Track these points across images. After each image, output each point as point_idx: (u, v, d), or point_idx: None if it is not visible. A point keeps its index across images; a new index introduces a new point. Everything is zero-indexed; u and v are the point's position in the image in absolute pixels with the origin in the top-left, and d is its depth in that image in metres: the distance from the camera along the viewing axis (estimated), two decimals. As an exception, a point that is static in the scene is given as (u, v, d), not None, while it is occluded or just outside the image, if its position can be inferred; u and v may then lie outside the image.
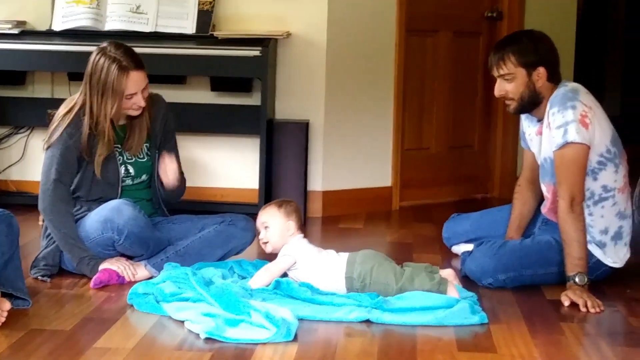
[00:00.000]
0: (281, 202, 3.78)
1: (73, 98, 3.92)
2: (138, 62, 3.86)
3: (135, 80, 3.82)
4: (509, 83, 3.87)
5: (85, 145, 3.84)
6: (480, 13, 5.98)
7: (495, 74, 3.89)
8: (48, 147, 3.87)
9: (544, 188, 4.03)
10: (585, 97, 3.81)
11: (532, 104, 3.89)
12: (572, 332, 3.33)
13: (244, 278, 3.76)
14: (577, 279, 3.66)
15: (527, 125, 4.08)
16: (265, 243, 3.73)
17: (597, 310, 3.57)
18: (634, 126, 7.38)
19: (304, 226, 3.85)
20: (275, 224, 3.71)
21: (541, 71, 3.83)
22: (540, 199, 4.14)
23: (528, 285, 3.86)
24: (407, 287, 3.52)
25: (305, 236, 3.75)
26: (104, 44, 3.88)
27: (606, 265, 3.89)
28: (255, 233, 4.11)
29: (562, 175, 3.76)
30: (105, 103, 3.81)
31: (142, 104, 3.87)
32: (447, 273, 3.63)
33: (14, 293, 3.36)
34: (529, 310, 3.57)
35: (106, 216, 3.80)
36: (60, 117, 3.87)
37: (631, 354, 3.12)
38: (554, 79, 3.87)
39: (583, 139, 3.72)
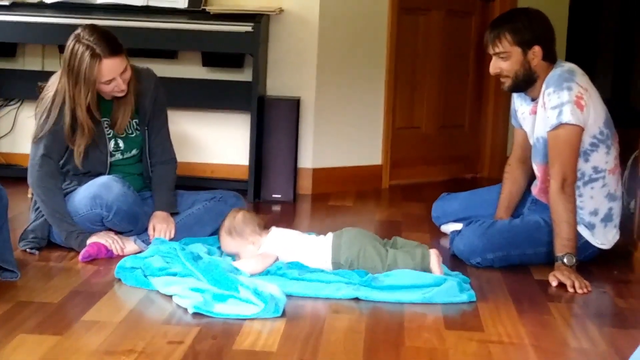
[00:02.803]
0: (227, 227, 3.68)
1: (57, 79, 3.85)
2: (113, 48, 3.74)
3: (110, 68, 3.74)
4: (504, 61, 3.86)
5: (68, 135, 3.81)
6: (473, -8, 5.98)
7: (491, 51, 3.88)
8: (35, 142, 3.84)
9: (535, 168, 4.04)
10: (582, 79, 3.81)
11: (527, 82, 3.88)
12: (560, 313, 3.34)
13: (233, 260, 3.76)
14: (565, 260, 3.68)
15: (519, 103, 4.08)
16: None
17: (585, 291, 3.58)
18: (623, 109, 7.41)
19: (262, 220, 3.77)
20: (239, 248, 3.67)
21: (536, 50, 3.83)
22: (530, 178, 4.15)
23: (516, 265, 3.88)
24: (392, 268, 3.53)
25: (277, 225, 3.72)
26: (79, 30, 3.78)
27: (594, 247, 3.90)
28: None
29: (554, 155, 3.76)
30: (79, 92, 3.74)
31: (123, 87, 3.81)
32: (431, 250, 3.61)
33: (2, 265, 3.36)
34: (516, 290, 3.58)
35: (95, 192, 3.78)
36: (46, 109, 3.81)
37: (618, 335, 3.14)
38: (550, 58, 3.86)
39: (577, 121, 3.72)
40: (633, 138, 4.41)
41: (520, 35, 3.82)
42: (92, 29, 3.78)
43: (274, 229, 3.70)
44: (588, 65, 3.98)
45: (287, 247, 3.63)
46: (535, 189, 4.08)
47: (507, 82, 3.90)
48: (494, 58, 3.89)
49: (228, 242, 3.70)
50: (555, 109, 3.74)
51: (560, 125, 3.73)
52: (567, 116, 3.72)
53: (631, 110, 8.47)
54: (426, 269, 3.53)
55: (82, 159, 3.86)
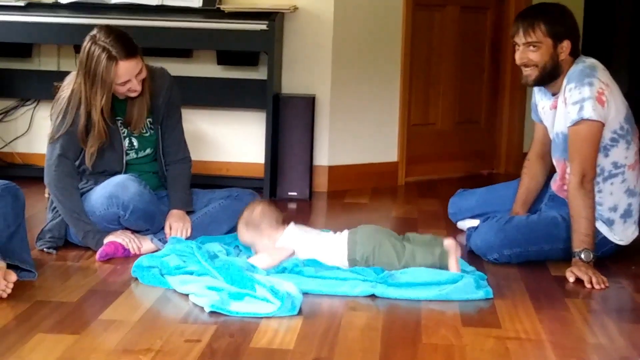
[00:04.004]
0: (244, 220, 3.67)
1: (73, 79, 3.86)
2: (129, 49, 3.75)
3: (126, 69, 3.74)
4: (533, 52, 3.83)
5: (81, 136, 3.82)
6: (488, -12, 5.96)
7: (522, 40, 3.84)
8: (51, 142, 3.85)
9: (555, 163, 4.03)
10: (603, 74, 3.80)
11: (552, 75, 3.86)
12: (577, 308, 3.33)
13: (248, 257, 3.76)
14: (582, 255, 3.66)
15: (540, 98, 4.06)
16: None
17: (602, 286, 3.57)
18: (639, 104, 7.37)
19: (283, 215, 3.74)
20: (255, 242, 3.67)
21: (566, 45, 3.81)
22: (549, 174, 4.13)
23: (533, 261, 3.87)
24: (410, 264, 3.52)
25: (295, 222, 3.71)
26: (95, 31, 3.78)
27: (612, 243, 3.89)
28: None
29: (574, 151, 3.75)
30: (95, 94, 3.75)
31: (138, 88, 3.81)
32: (448, 243, 3.59)
33: (19, 265, 3.37)
34: (534, 286, 3.57)
35: (111, 192, 3.79)
36: (62, 110, 3.82)
37: (636, 330, 3.12)
38: (575, 54, 3.85)
39: (599, 117, 3.71)
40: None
41: (554, 27, 3.80)
42: (108, 30, 3.78)
43: (292, 225, 3.70)
44: (604, 60, 3.96)
45: (303, 243, 3.63)
46: (554, 184, 4.06)
47: (532, 75, 3.86)
48: (522, 47, 3.86)
49: (244, 233, 3.70)
50: (577, 104, 3.73)
51: (581, 120, 3.72)
52: (589, 112, 3.70)
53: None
54: (444, 266, 3.52)
55: (94, 160, 3.86)
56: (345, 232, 3.66)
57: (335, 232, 3.72)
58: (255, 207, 3.71)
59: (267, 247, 3.64)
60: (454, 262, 3.53)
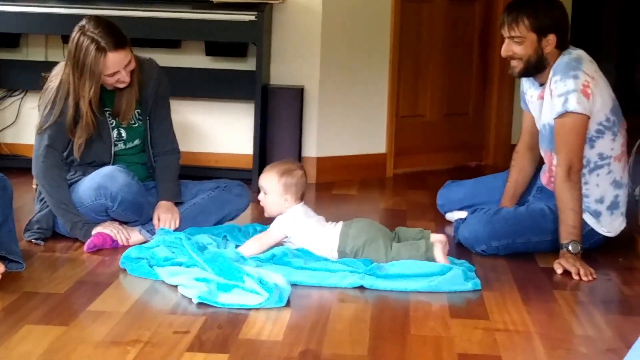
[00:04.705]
0: (284, 170, 3.68)
1: (61, 70, 3.84)
2: (119, 40, 3.74)
3: (115, 61, 3.73)
4: (517, 45, 3.84)
5: (69, 127, 3.81)
6: (477, -20, 5.96)
7: (506, 34, 3.86)
8: (39, 133, 3.84)
9: (542, 154, 4.03)
10: (589, 67, 3.80)
11: (537, 68, 3.87)
12: (565, 300, 3.34)
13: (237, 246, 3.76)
14: (570, 247, 3.67)
15: (528, 86, 4.06)
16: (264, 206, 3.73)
17: (590, 278, 3.58)
18: (627, 96, 7.37)
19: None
20: (272, 193, 3.68)
21: (551, 38, 3.82)
22: (538, 166, 4.14)
23: (521, 253, 3.87)
24: (396, 260, 3.53)
25: (304, 203, 3.73)
26: (84, 22, 3.76)
27: (599, 234, 3.90)
28: (249, 199, 4.12)
29: (561, 143, 3.76)
30: (83, 85, 3.74)
31: (127, 79, 3.80)
32: (437, 238, 3.61)
33: (7, 256, 3.36)
34: (521, 278, 3.58)
35: (99, 183, 3.78)
36: (50, 101, 3.81)
37: (623, 322, 3.14)
38: (562, 46, 3.85)
39: (584, 109, 3.72)
40: (639, 125, 4.41)
41: (538, 21, 3.80)
42: (97, 21, 3.76)
43: (300, 205, 3.68)
44: (592, 51, 3.96)
45: (298, 228, 3.63)
46: (544, 177, 4.06)
47: (517, 67, 3.88)
48: (507, 40, 3.87)
49: (272, 177, 3.67)
50: (562, 96, 3.73)
51: (566, 113, 3.73)
52: (573, 104, 3.71)
53: (636, 97, 8.44)
54: (431, 259, 3.52)
55: (82, 151, 3.85)
56: (340, 224, 3.66)
57: (332, 221, 3.71)
58: (298, 168, 3.72)
59: (273, 203, 3.65)
60: (441, 254, 3.52)
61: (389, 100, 5.54)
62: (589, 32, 8.78)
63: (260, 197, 3.70)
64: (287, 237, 3.64)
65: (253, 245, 3.60)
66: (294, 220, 3.65)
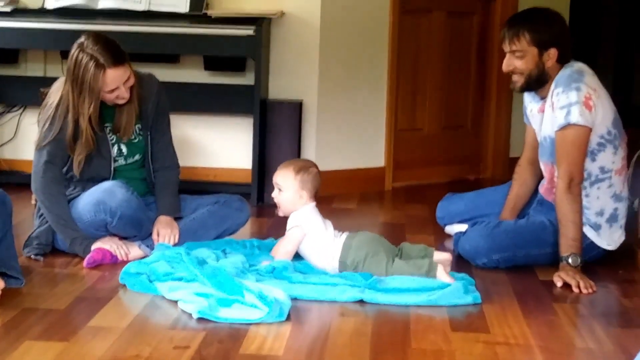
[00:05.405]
0: (300, 167, 3.69)
1: (61, 86, 3.85)
2: (117, 57, 3.74)
3: (114, 77, 3.73)
4: (518, 60, 3.84)
5: (69, 144, 3.81)
6: (474, -7, 5.98)
7: (507, 49, 3.86)
8: (38, 149, 3.84)
9: (542, 167, 4.04)
10: (590, 79, 3.81)
11: (539, 82, 3.87)
12: (565, 313, 3.34)
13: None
14: (570, 260, 3.67)
15: (529, 100, 4.07)
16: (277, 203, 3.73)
17: (590, 291, 3.58)
18: (624, 107, 7.39)
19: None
20: (288, 190, 3.68)
21: (552, 52, 3.82)
22: (539, 180, 4.14)
23: (521, 266, 3.87)
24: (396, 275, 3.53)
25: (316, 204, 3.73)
26: (82, 38, 3.76)
27: (600, 248, 3.90)
28: (249, 213, 4.12)
29: (562, 155, 3.76)
30: (83, 101, 3.74)
31: (126, 96, 3.81)
32: (441, 258, 3.61)
33: (7, 272, 3.36)
34: (522, 291, 3.58)
35: (99, 198, 3.78)
36: (49, 117, 3.81)
37: (624, 335, 3.14)
38: (564, 60, 3.85)
39: (585, 122, 3.72)
40: (638, 136, 4.41)
41: (539, 36, 3.81)
42: (96, 37, 3.76)
43: (312, 205, 3.68)
44: (589, 63, 3.97)
45: (313, 228, 3.63)
46: (542, 188, 4.07)
47: (519, 82, 3.88)
48: (508, 55, 3.88)
49: (288, 174, 3.68)
50: (564, 109, 3.74)
51: (568, 125, 3.73)
52: (576, 117, 3.71)
53: (633, 108, 8.46)
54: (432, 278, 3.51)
55: (82, 168, 3.85)
56: (345, 235, 3.66)
57: (337, 231, 3.71)
58: (313, 166, 3.73)
59: (288, 200, 3.66)
60: (444, 275, 3.50)
61: (388, 113, 5.55)
62: (586, 43, 8.81)
63: (274, 194, 3.70)
64: (305, 235, 3.63)
65: (283, 255, 3.62)
66: (309, 214, 3.65)
